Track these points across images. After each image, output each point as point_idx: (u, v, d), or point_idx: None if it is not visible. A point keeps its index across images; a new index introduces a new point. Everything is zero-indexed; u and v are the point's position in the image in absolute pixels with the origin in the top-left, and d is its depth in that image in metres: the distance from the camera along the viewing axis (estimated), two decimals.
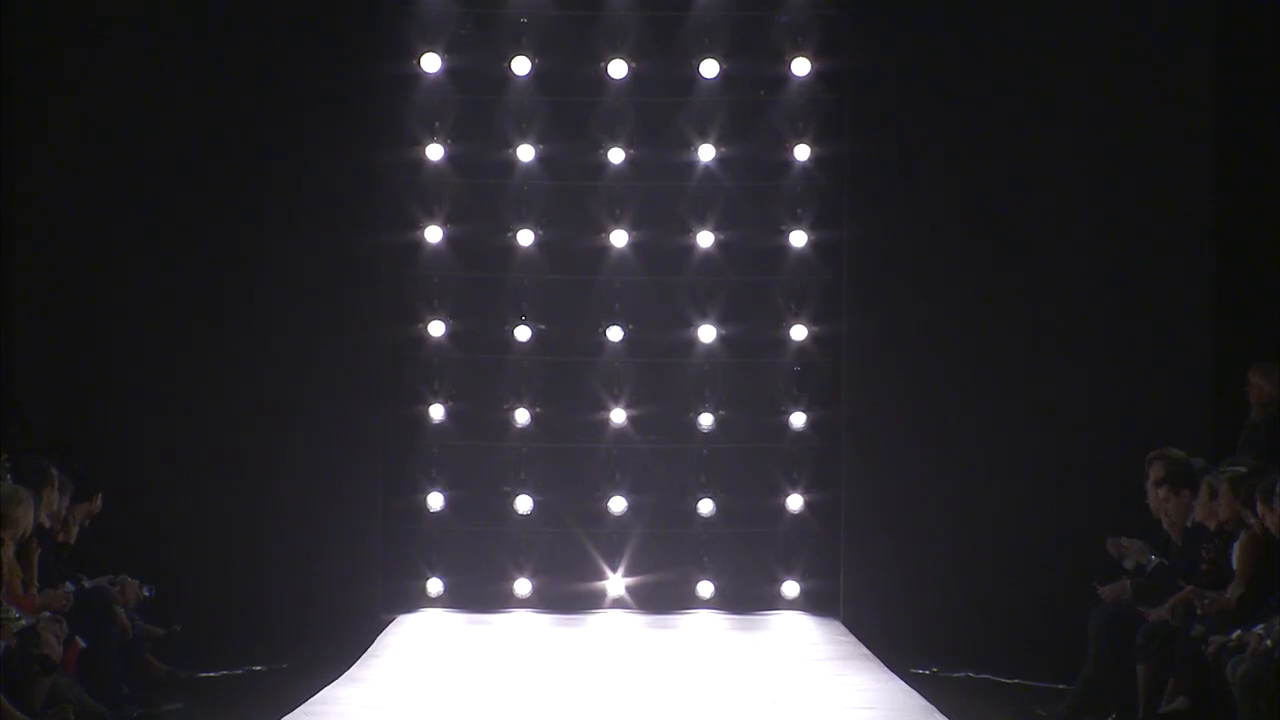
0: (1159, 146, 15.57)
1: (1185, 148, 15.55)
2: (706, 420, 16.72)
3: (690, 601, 16.66)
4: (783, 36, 16.56)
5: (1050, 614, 14.54)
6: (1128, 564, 12.37)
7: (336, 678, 13.17)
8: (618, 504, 16.48)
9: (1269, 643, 10.33)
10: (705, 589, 16.69)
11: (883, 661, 14.08)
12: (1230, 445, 13.68)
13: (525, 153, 16.68)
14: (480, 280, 16.68)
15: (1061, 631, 13.54)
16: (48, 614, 11.15)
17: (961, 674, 14.28)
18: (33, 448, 13.10)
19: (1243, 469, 11.64)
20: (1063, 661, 12.95)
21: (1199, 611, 11.18)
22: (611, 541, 16.37)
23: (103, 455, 14.71)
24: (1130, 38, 15.64)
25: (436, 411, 16.59)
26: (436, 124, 16.59)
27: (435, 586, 16.59)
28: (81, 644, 11.47)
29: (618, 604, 16.45)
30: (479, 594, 16.37)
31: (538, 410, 16.52)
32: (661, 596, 16.56)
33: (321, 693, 12.60)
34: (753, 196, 16.70)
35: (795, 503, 16.57)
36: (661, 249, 16.70)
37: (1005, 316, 15.63)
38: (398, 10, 16.35)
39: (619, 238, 16.70)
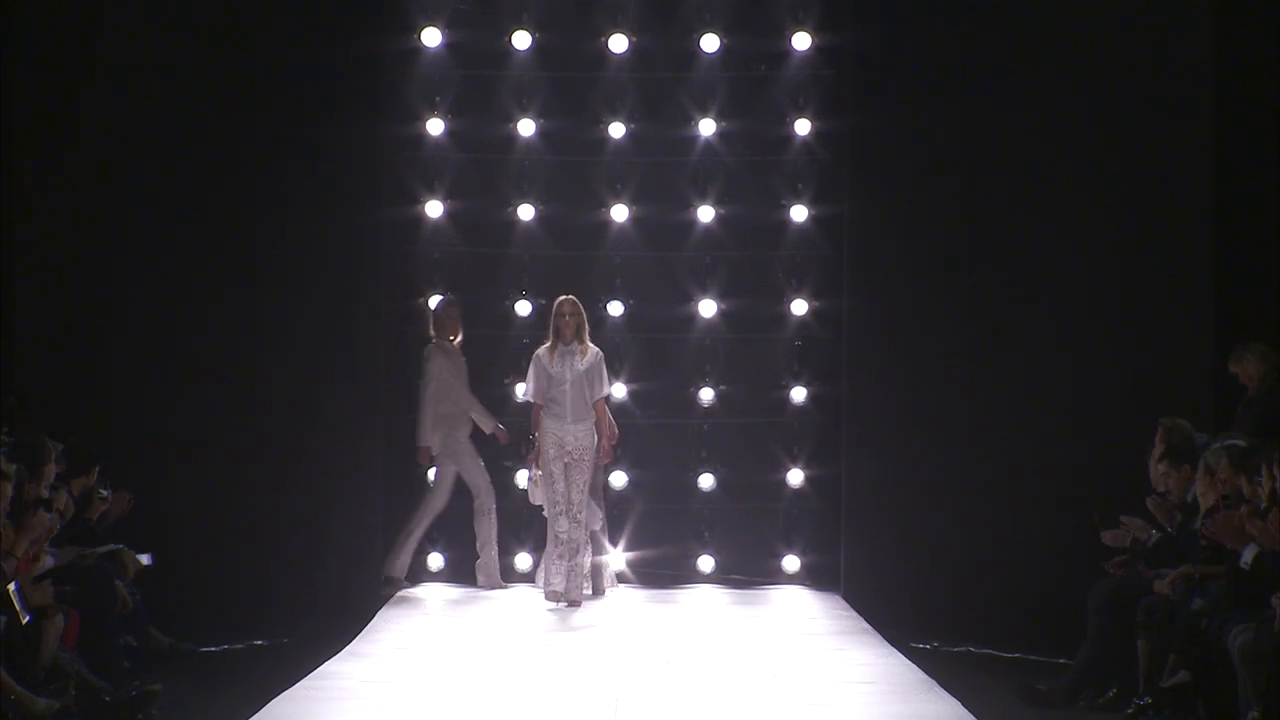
0: (1160, 123, 15.54)
1: (1186, 123, 15.52)
2: (707, 395, 16.73)
3: (691, 576, 16.70)
4: (783, 11, 16.56)
5: (1051, 589, 14.54)
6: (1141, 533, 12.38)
7: (338, 652, 13.18)
8: (618, 479, 16.49)
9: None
10: (706, 563, 16.72)
11: (883, 636, 14.09)
12: (1229, 420, 13.68)
13: (526, 127, 16.68)
14: (481, 255, 16.70)
15: (1062, 606, 13.55)
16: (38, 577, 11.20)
17: (962, 648, 14.31)
18: (30, 422, 13.10)
19: (1242, 443, 11.64)
20: (1063, 636, 12.95)
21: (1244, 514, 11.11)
22: (612, 516, 16.38)
23: (106, 431, 14.71)
24: (1132, 12, 15.60)
25: None
26: (437, 99, 16.61)
27: (436, 561, 16.62)
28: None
29: (619, 579, 16.46)
30: (476, 572, 16.37)
31: None
32: (663, 571, 16.59)
33: (323, 666, 12.61)
34: (753, 171, 16.71)
35: (796, 478, 16.60)
36: (662, 224, 16.72)
37: (1005, 291, 15.62)
38: None
39: (620, 212, 16.71)
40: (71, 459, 12.63)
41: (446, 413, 16.11)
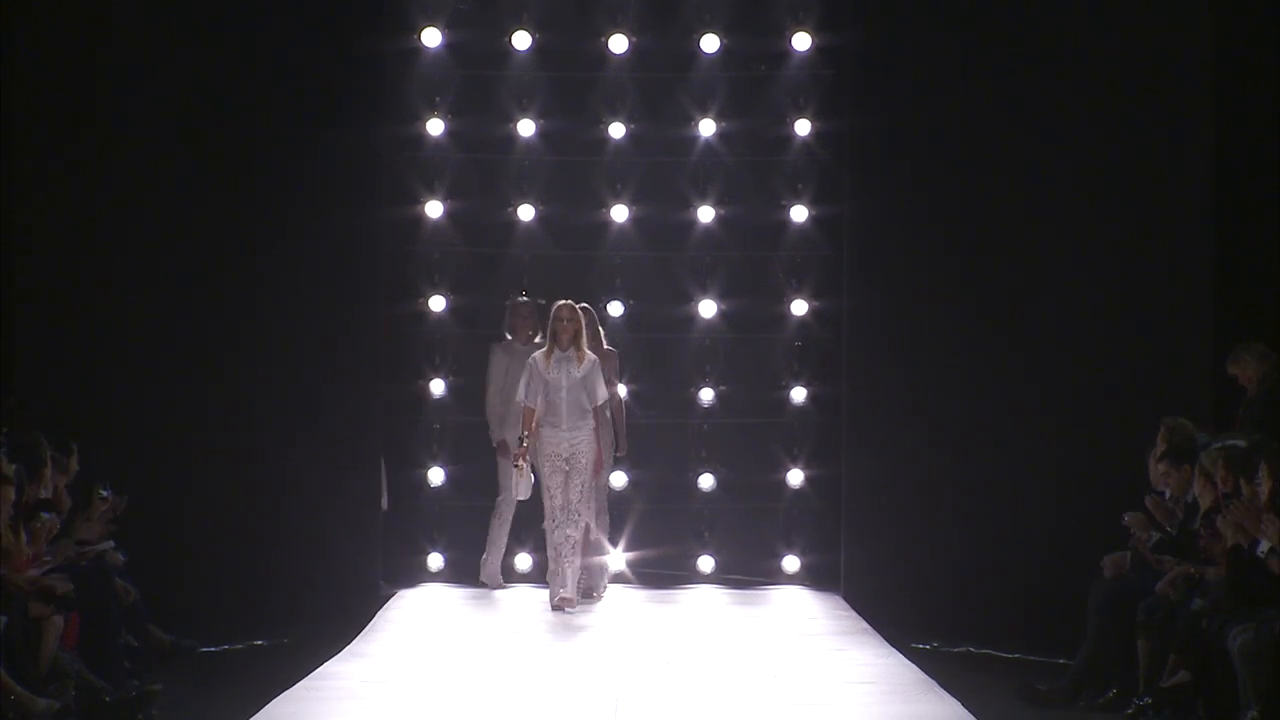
0: (1160, 123, 15.54)
1: (1186, 123, 15.52)
2: (707, 395, 16.73)
3: (691, 576, 16.70)
4: (783, 11, 16.57)
5: (1051, 589, 14.54)
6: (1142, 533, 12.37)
7: (338, 652, 13.17)
8: (619, 479, 16.48)
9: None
10: (706, 564, 16.72)
11: (883, 636, 14.09)
12: (1229, 421, 13.68)
13: (526, 128, 16.68)
14: (481, 255, 16.70)
15: (1062, 607, 13.54)
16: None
17: (961, 649, 14.31)
18: (30, 423, 13.08)
19: (1241, 443, 11.63)
20: (1063, 637, 12.96)
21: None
22: (613, 516, 16.36)
23: (106, 431, 14.71)
24: (1132, 12, 15.60)
25: (437, 386, 16.62)
26: (437, 99, 16.61)
27: (436, 561, 16.62)
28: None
29: (618, 579, 16.46)
30: (479, 568, 16.37)
31: None
32: (662, 571, 16.59)
33: (323, 667, 12.60)
34: (753, 171, 16.71)
35: (796, 478, 16.60)
36: (662, 224, 16.72)
37: (1005, 292, 15.62)
38: None
39: (620, 213, 16.71)
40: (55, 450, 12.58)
41: (505, 412, 15.85)
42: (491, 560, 16.14)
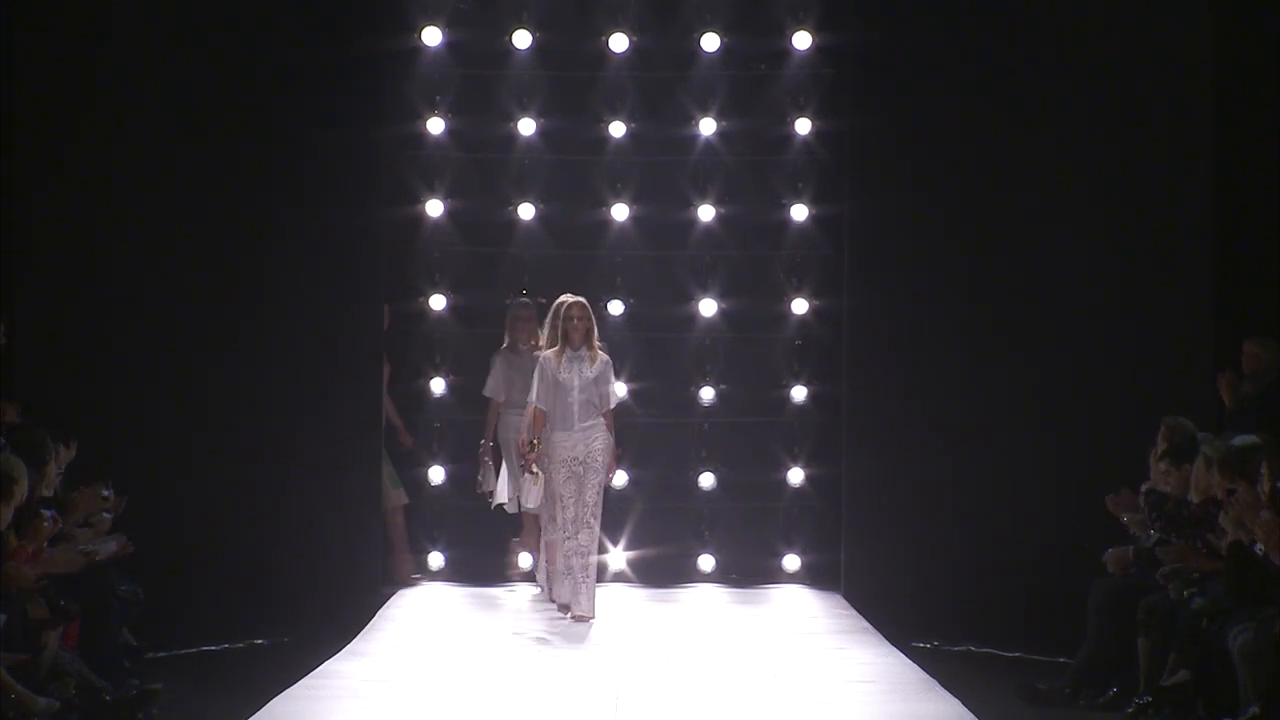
0: (1160, 123, 15.53)
1: (1186, 123, 15.52)
2: (707, 394, 16.73)
3: (691, 575, 16.70)
4: (783, 11, 16.58)
5: (1051, 588, 14.53)
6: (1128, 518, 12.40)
7: (338, 651, 13.18)
8: (619, 478, 16.46)
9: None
10: (706, 563, 16.73)
11: (883, 635, 14.10)
12: (1231, 420, 13.68)
13: (526, 127, 16.69)
14: (481, 255, 16.70)
15: (1062, 606, 13.55)
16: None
17: (962, 647, 14.32)
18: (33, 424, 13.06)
19: (1253, 439, 11.62)
20: (1063, 636, 12.96)
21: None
22: (613, 515, 16.36)
23: (107, 432, 14.69)
24: (1132, 12, 15.60)
25: (438, 385, 16.62)
26: (437, 98, 16.62)
27: (437, 560, 16.63)
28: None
29: (619, 578, 16.46)
30: (480, 567, 16.41)
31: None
32: (663, 570, 16.60)
33: (323, 666, 12.62)
34: (753, 171, 16.72)
35: (796, 477, 16.61)
36: (662, 223, 16.73)
37: (1006, 291, 15.61)
38: None
39: (620, 212, 16.71)
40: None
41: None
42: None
